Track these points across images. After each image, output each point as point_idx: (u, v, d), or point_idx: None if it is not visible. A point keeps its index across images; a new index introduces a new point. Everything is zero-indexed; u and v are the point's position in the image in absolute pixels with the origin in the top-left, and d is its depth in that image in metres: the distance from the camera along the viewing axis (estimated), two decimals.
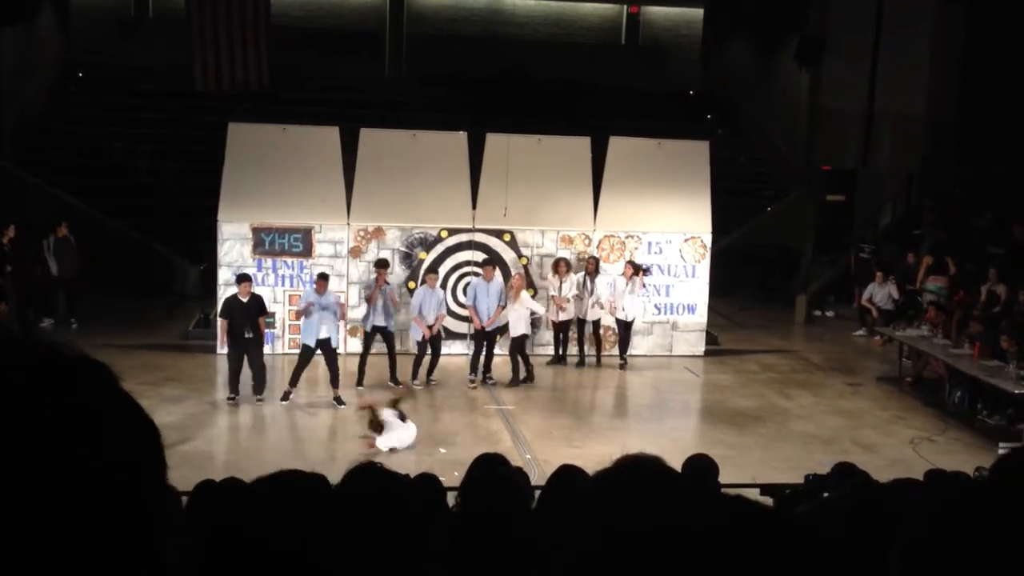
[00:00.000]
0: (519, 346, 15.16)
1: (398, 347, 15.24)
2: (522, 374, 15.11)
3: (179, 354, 15.56)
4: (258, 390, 13.58)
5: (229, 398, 13.49)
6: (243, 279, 13.67)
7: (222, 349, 13.40)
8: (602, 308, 16.23)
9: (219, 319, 13.61)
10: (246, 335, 13.35)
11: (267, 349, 15.81)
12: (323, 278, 14.15)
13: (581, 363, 16.41)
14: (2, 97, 21.29)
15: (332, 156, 16.19)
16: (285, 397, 13.76)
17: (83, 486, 0.91)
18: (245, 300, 13.41)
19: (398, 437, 12.00)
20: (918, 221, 22.71)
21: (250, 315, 13.42)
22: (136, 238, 20.31)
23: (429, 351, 14.82)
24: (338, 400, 13.82)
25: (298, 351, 14.15)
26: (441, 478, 5.92)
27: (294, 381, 13.86)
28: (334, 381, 13.91)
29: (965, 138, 22.72)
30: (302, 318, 14.05)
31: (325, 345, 13.94)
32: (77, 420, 0.94)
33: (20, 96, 22.37)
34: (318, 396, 14.03)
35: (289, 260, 15.88)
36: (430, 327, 14.71)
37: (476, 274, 16.09)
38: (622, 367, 16.27)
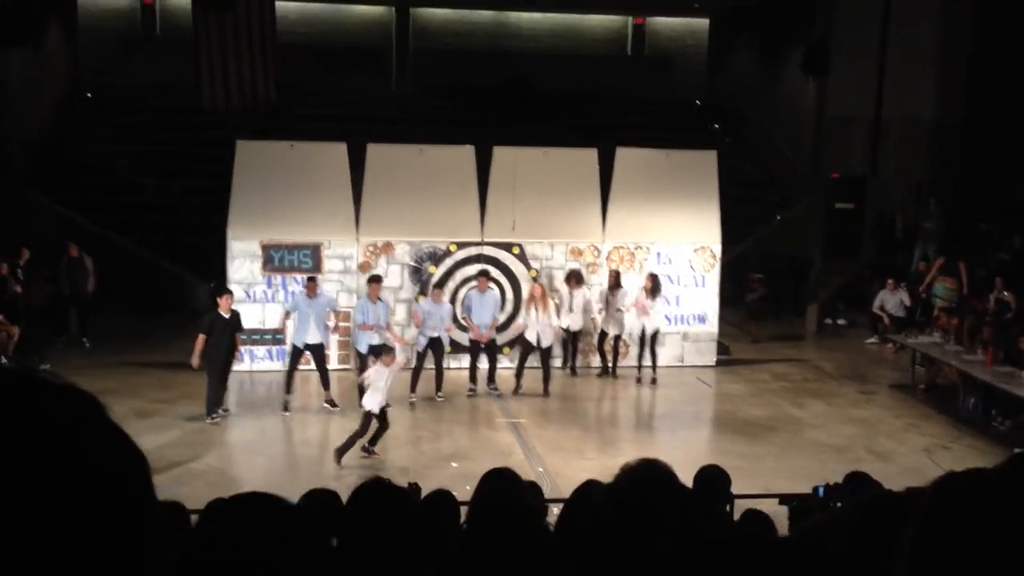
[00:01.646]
0: (548, 356, 15.29)
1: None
2: (522, 385, 15.22)
3: (191, 371, 15.54)
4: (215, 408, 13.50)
5: (213, 420, 13.31)
6: (225, 292, 13.72)
7: (195, 363, 13.32)
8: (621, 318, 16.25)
9: (200, 335, 13.24)
10: (226, 353, 13.30)
11: (278, 366, 15.90)
12: (313, 280, 14.30)
13: (604, 373, 16.41)
14: (11, 116, 21.39)
15: (340, 172, 16.21)
16: (285, 407, 13.86)
17: (65, 516, 0.90)
18: (227, 316, 13.34)
19: (375, 400, 11.80)
20: (915, 219, 22.64)
21: (230, 332, 13.36)
22: (145, 256, 20.36)
23: (432, 364, 14.76)
24: (331, 403, 13.94)
25: (312, 367, 14.24)
26: (453, 492, 5.90)
27: (288, 387, 13.98)
28: (325, 384, 14.01)
29: (972, 142, 22.66)
30: (291, 320, 14.13)
31: (316, 349, 14.03)
32: (60, 450, 0.93)
33: (28, 115, 22.47)
34: (321, 406, 14.03)
35: (299, 276, 15.88)
36: (439, 340, 14.73)
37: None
38: (654, 381, 16.13)
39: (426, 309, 14.79)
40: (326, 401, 14.07)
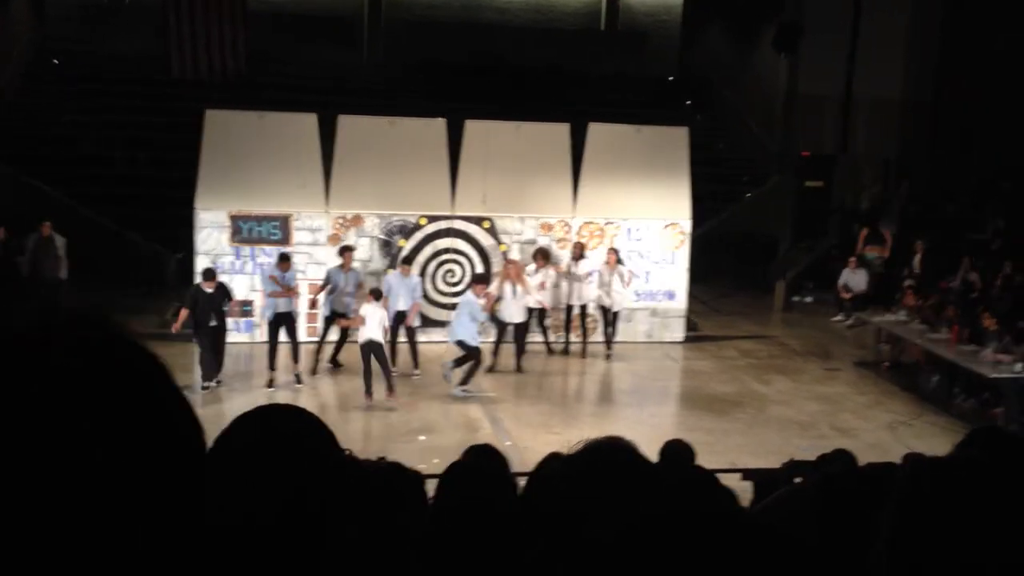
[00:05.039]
0: (522, 332, 15.30)
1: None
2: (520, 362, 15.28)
3: (158, 343, 15.35)
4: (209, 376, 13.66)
5: (214, 383, 13.53)
6: (209, 275, 13.71)
7: (176, 330, 13.58)
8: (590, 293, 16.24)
9: (183, 308, 13.59)
10: (211, 323, 13.43)
11: (246, 337, 15.86)
12: (286, 259, 14.31)
13: (566, 351, 16.40)
14: None
15: (310, 143, 16.12)
16: (270, 383, 13.90)
17: (130, 472, 0.92)
18: (210, 291, 13.43)
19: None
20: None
21: (215, 305, 13.48)
22: (112, 227, 20.15)
23: (404, 338, 14.76)
24: (297, 378, 14.01)
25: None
26: (421, 465, 5.92)
27: (272, 363, 13.98)
28: (295, 357, 14.02)
29: (942, 121, 22.85)
30: (263, 297, 14.23)
31: (287, 319, 14.06)
32: (143, 408, 0.95)
33: None
34: (292, 378, 14.04)
35: (267, 248, 15.82)
36: (405, 314, 14.69)
37: (456, 261, 16.31)
38: (608, 357, 16.19)
39: (392, 283, 14.73)
40: (294, 375, 14.07)
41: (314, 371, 14.49)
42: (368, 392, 13.13)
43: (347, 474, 1.46)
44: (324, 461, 1.43)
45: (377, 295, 13.55)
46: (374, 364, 13.14)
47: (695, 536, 0.98)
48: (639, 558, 0.99)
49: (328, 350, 14.80)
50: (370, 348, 13.13)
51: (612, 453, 1.54)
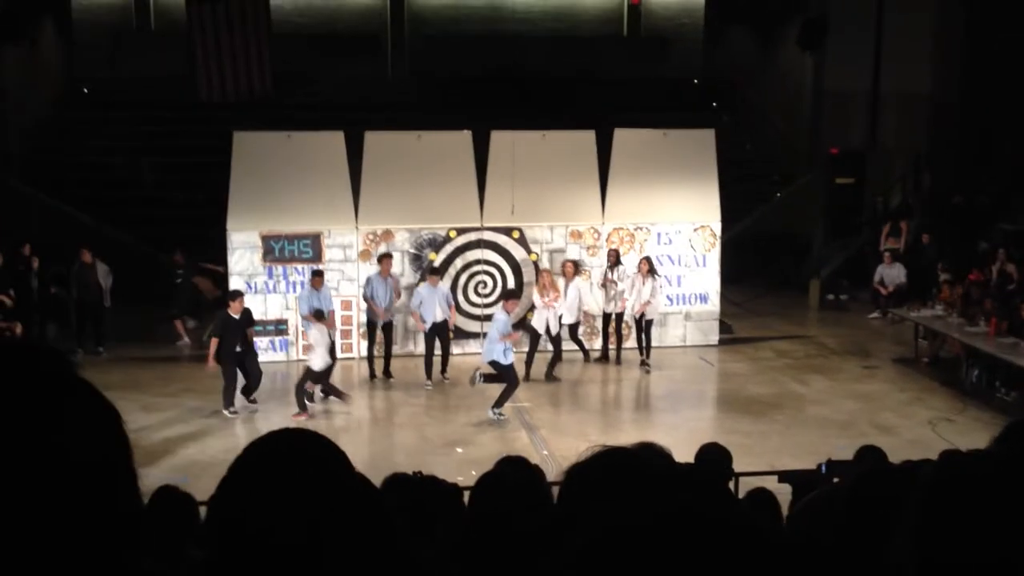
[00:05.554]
0: (558, 341, 15.36)
1: (410, 348, 15.59)
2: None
3: (194, 364, 15.58)
4: (249, 392, 13.67)
5: (232, 412, 13.40)
6: (236, 295, 13.78)
7: (210, 365, 13.55)
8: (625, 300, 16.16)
9: (212, 337, 13.56)
10: (237, 349, 13.44)
11: (281, 356, 15.94)
12: (318, 275, 14.55)
13: (604, 357, 16.34)
14: (7, 114, 21.34)
15: (338, 161, 16.20)
16: (311, 398, 13.96)
17: (36, 470, 0.93)
18: (237, 317, 13.46)
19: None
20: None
21: (241, 330, 13.53)
22: (145, 250, 20.32)
23: (438, 348, 14.86)
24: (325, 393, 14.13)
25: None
26: (459, 477, 5.93)
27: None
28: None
29: (970, 115, 22.62)
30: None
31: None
32: (32, 406, 0.96)
33: (25, 113, 22.44)
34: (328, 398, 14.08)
35: (299, 266, 15.90)
36: (444, 323, 14.84)
37: (487, 272, 16.37)
38: (643, 364, 15.91)
39: (423, 294, 14.87)
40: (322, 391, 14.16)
41: (372, 376, 14.98)
42: (302, 410, 13.30)
43: (358, 495, 1.46)
44: (335, 483, 1.44)
45: (320, 316, 13.49)
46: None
47: (692, 539, 0.97)
48: (637, 559, 0.98)
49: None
50: (322, 376, 13.38)
51: (628, 458, 1.53)
